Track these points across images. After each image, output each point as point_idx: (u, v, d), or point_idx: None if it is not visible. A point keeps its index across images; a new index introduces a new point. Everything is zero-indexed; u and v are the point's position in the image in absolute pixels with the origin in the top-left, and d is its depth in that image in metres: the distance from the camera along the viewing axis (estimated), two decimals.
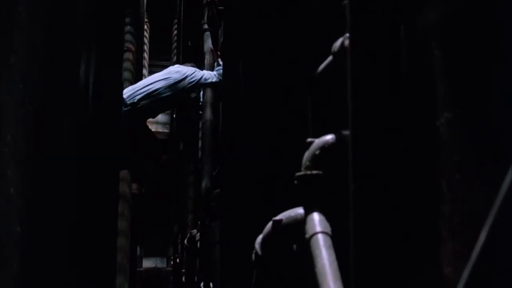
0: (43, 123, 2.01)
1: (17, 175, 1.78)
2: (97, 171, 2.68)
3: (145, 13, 8.11)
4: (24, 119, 1.95)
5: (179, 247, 7.91)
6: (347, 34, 1.30)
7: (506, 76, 0.97)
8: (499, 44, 0.98)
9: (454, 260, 1.02)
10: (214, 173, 4.61)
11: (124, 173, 5.49)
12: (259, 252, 1.73)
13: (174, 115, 9.92)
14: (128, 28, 5.57)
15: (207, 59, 5.42)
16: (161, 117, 10.95)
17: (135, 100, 5.19)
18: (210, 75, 5.22)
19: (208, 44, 5.50)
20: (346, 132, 1.33)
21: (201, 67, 5.69)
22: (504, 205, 0.66)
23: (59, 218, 2.02)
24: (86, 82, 2.77)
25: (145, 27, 8.26)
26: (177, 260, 8.37)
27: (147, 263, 11.35)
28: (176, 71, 5.37)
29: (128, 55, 5.52)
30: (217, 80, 5.09)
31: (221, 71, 4.91)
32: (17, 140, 1.85)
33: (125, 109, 5.18)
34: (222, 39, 4.04)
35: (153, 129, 10.34)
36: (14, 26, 1.91)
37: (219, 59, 5.15)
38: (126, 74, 5.54)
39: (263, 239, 1.71)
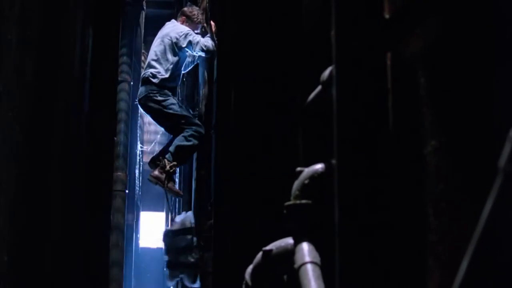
0: (32, 154, 2.01)
1: (6, 206, 1.77)
2: (87, 203, 2.67)
3: (143, 44, 8.14)
4: (12, 150, 1.94)
5: None
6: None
7: (492, 103, 0.98)
8: (484, 71, 0.98)
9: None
10: (209, 203, 4.59)
11: (119, 204, 5.46)
12: (249, 282, 1.71)
13: None
14: (124, 58, 5.58)
15: (202, 89, 5.46)
16: (158, 148, 10.93)
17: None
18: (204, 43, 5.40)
19: (203, 75, 5.54)
20: (335, 162, 1.32)
21: (196, 97, 5.77)
22: (484, 234, 0.65)
23: (48, 247, 2.01)
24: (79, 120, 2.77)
25: (143, 58, 8.29)
26: None
27: None
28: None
29: (124, 86, 5.53)
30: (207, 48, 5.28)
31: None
32: (6, 170, 1.84)
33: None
34: (216, 70, 4.07)
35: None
36: (2, 50, 1.92)
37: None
38: (122, 105, 5.55)
39: (253, 269, 1.69)
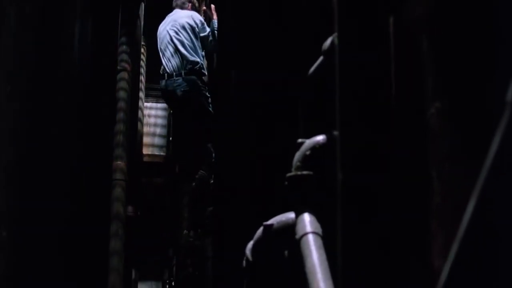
0: (32, 131, 1.99)
1: (3, 181, 1.76)
2: (86, 188, 2.65)
3: (142, 36, 8.11)
4: (12, 126, 1.93)
5: (174, 270, 7.86)
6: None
7: (495, 64, 0.96)
8: (487, 31, 0.97)
9: (444, 253, 0.99)
10: (209, 191, 4.59)
11: (118, 193, 5.44)
12: (250, 258, 1.70)
13: (170, 138, 9.90)
14: (123, 47, 5.55)
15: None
16: (157, 140, 10.93)
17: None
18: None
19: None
20: (337, 133, 1.31)
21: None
22: (483, 194, 0.64)
23: (45, 226, 2.00)
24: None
25: (142, 50, 8.25)
26: (172, 284, 8.31)
27: (142, 287, 11.25)
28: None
29: (123, 75, 5.49)
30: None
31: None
32: (4, 147, 1.83)
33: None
34: (217, 53, 4.06)
35: (149, 152, 10.31)
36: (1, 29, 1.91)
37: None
38: (122, 94, 5.51)
39: (254, 245, 1.68)
